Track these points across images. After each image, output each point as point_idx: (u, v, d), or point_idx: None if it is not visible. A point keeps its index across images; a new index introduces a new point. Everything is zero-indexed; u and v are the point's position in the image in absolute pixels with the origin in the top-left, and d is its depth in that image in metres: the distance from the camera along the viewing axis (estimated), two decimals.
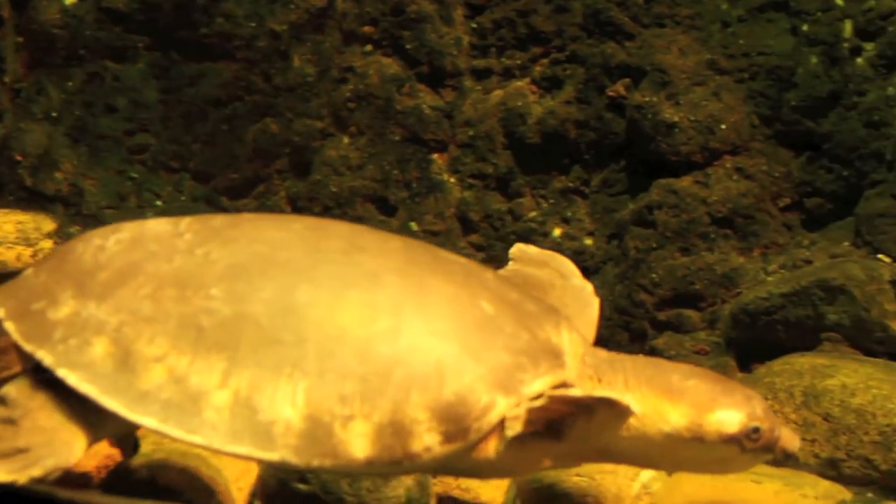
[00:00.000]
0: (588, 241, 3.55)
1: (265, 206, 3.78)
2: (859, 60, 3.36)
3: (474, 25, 3.64)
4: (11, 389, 2.08)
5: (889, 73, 3.33)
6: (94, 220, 3.84)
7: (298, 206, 3.75)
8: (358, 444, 1.94)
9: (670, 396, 2.09)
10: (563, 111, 3.56)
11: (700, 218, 3.45)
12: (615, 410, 1.99)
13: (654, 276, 3.43)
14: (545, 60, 3.59)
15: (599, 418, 2.02)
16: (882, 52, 3.34)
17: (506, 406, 1.99)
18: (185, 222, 2.16)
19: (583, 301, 2.39)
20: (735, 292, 3.41)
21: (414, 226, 3.65)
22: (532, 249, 2.57)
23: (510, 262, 2.52)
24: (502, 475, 2.35)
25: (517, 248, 2.57)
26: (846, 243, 3.38)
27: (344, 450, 1.95)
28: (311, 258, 2.05)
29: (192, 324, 2.01)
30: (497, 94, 3.62)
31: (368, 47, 3.73)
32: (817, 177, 3.41)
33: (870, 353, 3.22)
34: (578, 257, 3.41)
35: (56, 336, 2.06)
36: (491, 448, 2.01)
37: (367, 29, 3.72)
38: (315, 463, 1.96)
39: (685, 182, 3.46)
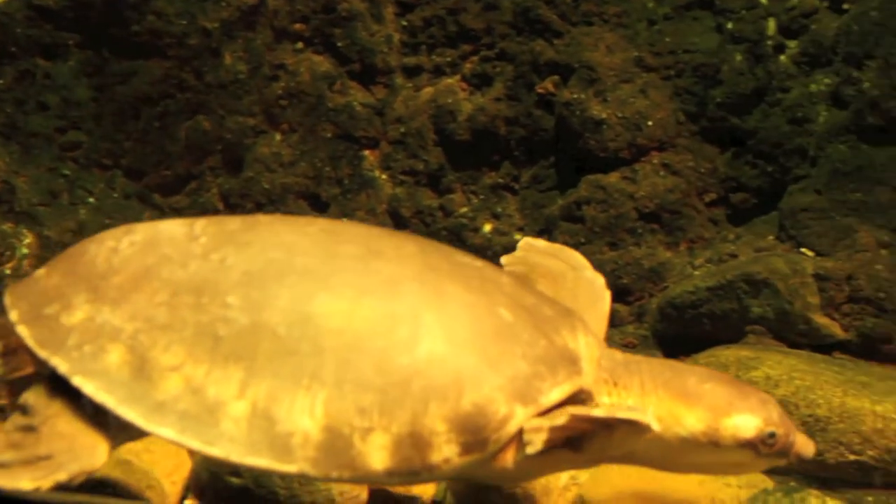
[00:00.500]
0: (518, 237, 3.58)
1: (198, 203, 3.79)
2: (783, 58, 3.42)
3: (405, 23, 3.67)
4: (30, 397, 2.05)
5: (811, 70, 3.40)
6: (27, 217, 3.82)
7: (231, 203, 3.76)
8: (377, 456, 1.93)
9: (687, 400, 2.08)
10: (492, 108, 3.59)
11: (627, 213, 3.50)
12: (635, 428, 1.98)
13: None
14: (475, 58, 3.63)
15: (619, 434, 1.99)
16: (805, 49, 3.40)
17: (524, 416, 1.98)
18: (200, 225, 2.12)
19: (594, 294, 2.37)
20: (662, 286, 3.46)
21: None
22: (540, 243, 2.53)
23: (517, 252, 2.48)
24: (518, 481, 2.34)
25: (525, 242, 2.52)
26: (770, 237, 3.44)
27: (363, 462, 1.93)
28: (328, 265, 2.03)
29: (208, 332, 1.98)
30: (428, 91, 3.65)
31: (300, 45, 3.74)
32: (742, 172, 3.47)
33: (793, 345, 3.27)
34: (508, 252, 3.44)
35: (70, 342, 2.02)
36: (509, 458, 2.00)
37: (298, 26, 3.73)
38: (334, 475, 1.94)
39: (613, 178, 3.50)
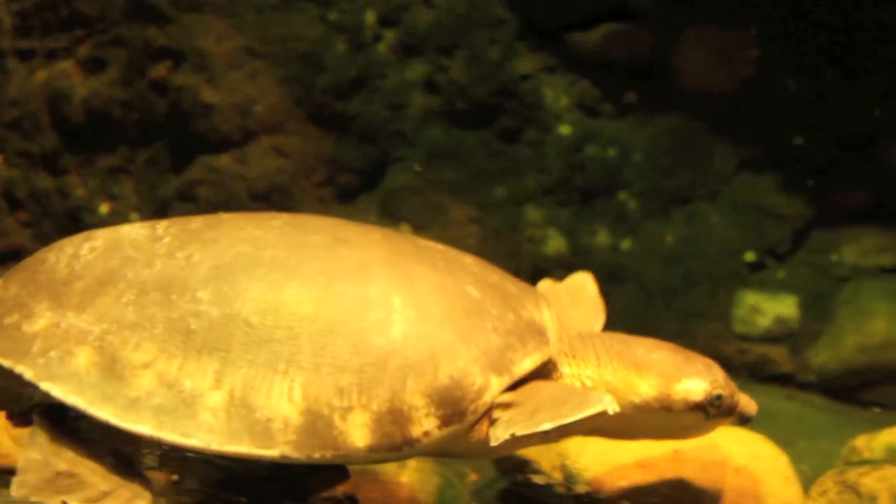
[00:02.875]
0: (134, 217, 3.69)
1: None
2: (381, 47, 3.66)
3: (17, 8, 3.69)
4: (33, 452, 1.95)
5: (407, 59, 3.65)
6: None
7: None
8: (358, 434, 1.93)
9: (638, 369, 2.15)
10: (107, 92, 3.67)
11: (239, 193, 3.65)
12: (601, 415, 1.98)
13: None
14: (89, 42, 3.69)
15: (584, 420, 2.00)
16: (401, 39, 3.65)
17: (499, 386, 2.02)
18: (162, 226, 2.09)
19: (586, 290, 2.49)
20: None
21: None
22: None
23: None
24: (496, 455, 2.35)
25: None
26: (373, 215, 3.67)
27: (345, 441, 1.94)
28: (296, 255, 2.02)
29: (179, 328, 1.95)
30: (41, 74, 3.69)
31: None
32: (347, 154, 3.69)
33: None
34: None
35: (35, 349, 1.96)
36: (485, 429, 2.03)
37: None
38: (316, 456, 1.94)
39: (224, 160, 3.65)
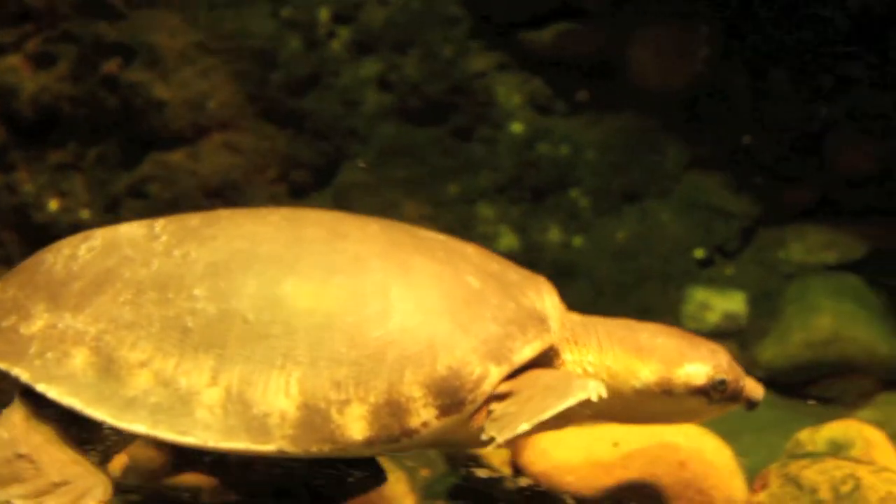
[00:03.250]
0: (84, 214, 3.66)
1: None
2: (335, 44, 3.66)
3: None
4: (2, 430, 1.93)
5: (361, 56, 3.66)
6: None
7: None
8: (356, 426, 1.93)
9: (640, 354, 2.15)
10: (56, 87, 3.64)
11: (191, 190, 3.64)
12: (587, 403, 1.97)
13: None
14: (38, 37, 3.66)
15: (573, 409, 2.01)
16: (354, 36, 3.65)
17: (498, 375, 2.01)
18: (160, 224, 2.07)
19: None
20: None
21: None
22: None
23: None
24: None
25: None
26: None
27: (342, 434, 1.93)
28: (293, 249, 2.00)
29: (176, 326, 1.94)
30: None
31: None
32: (300, 151, 3.69)
33: None
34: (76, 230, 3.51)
35: (32, 351, 1.94)
36: (484, 419, 2.02)
37: None
38: (314, 449, 1.93)
39: (177, 156, 3.64)
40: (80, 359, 1.94)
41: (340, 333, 1.95)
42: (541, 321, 2.11)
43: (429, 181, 3.62)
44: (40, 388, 1.92)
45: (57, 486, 1.92)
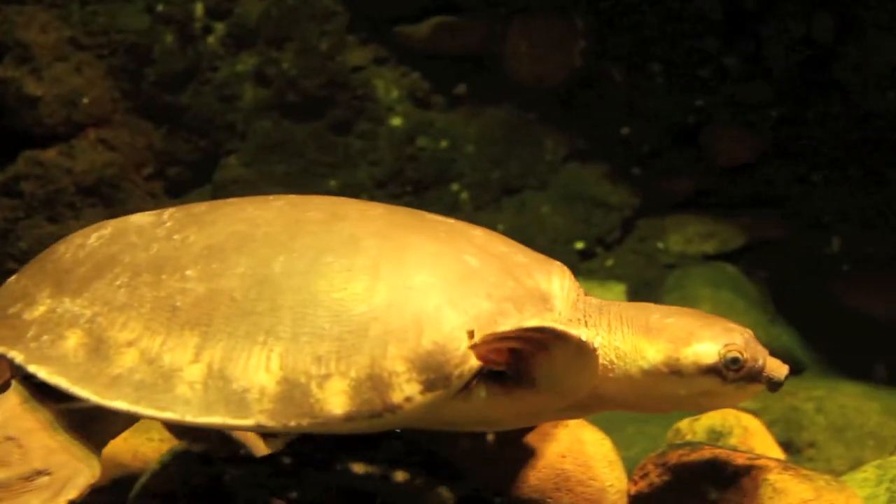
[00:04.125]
0: None
1: None
2: (210, 39, 3.64)
3: None
4: None
5: (238, 51, 3.64)
6: None
7: None
8: (336, 401, 1.92)
9: (648, 334, 2.07)
10: None
11: (66, 188, 3.60)
12: (565, 343, 1.93)
13: (21, 244, 3.56)
14: None
15: (559, 357, 1.96)
16: (230, 31, 3.64)
17: (486, 350, 1.95)
18: (169, 212, 2.06)
19: None
20: None
21: None
22: None
23: None
24: (495, 427, 2.26)
25: None
26: None
27: (321, 408, 1.91)
28: (289, 231, 1.99)
29: (165, 305, 1.93)
30: None
31: None
32: (177, 147, 3.66)
33: None
34: None
35: (30, 334, 1.95)
36: (473, 396, 1.98)
37: None
38: (292, 424, 1.91)
39: (50, 154, 3.60)
40: (72, 340, 1.96)
41: (324, 310, 1.94)
42: (543, 300, 2.05)
43: (308, 176, 3.61)
44: (32, 368, 1.93)
45: (39, 473, 1.92)
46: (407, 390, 1.93)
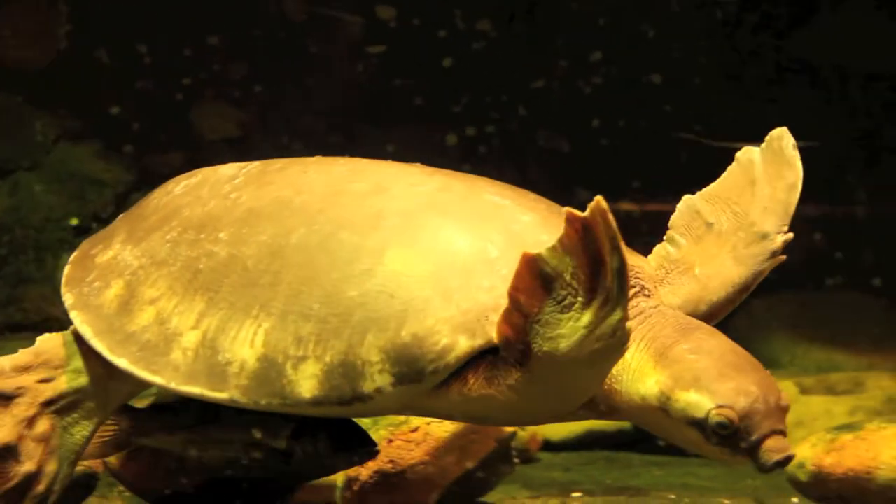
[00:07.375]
0: None
1: None
2: None
3: None
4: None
5: None
6: None
7: None
8: (306, 384, 1.87)
9: (659, 361, 1.93)
10: None
11: None
12: (534, 269, 1.76)
13: None
14: None
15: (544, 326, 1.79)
16: None
17: (468, 348, 1.85)
18: (250, 166, 2.03)
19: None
20: None
21: None
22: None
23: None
24: (479, 421, 2.18)
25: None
26: None
27: (291, 390, 1.87)
28: (323, 202, 1.94)
29: (192, 267, 1.93)
30: None
31: None
32: None
33: None
34: None
35: (89, 279, 1.98)
36: (454, 391, 1.89)
37: None
38: (263, 402, 1.87)
39: None
40: (113, 290, 1.98)
41: (319, 289, 1.91)
42: None
43: None
44: (72, 314, 1.98)
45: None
46: (378, 381, 1.89)
